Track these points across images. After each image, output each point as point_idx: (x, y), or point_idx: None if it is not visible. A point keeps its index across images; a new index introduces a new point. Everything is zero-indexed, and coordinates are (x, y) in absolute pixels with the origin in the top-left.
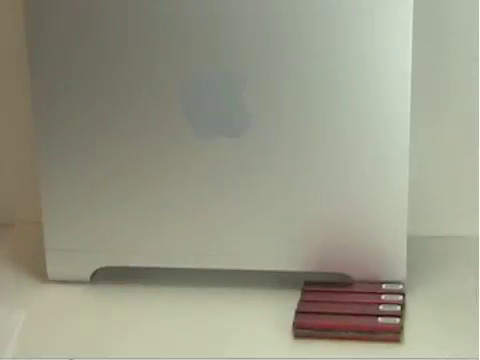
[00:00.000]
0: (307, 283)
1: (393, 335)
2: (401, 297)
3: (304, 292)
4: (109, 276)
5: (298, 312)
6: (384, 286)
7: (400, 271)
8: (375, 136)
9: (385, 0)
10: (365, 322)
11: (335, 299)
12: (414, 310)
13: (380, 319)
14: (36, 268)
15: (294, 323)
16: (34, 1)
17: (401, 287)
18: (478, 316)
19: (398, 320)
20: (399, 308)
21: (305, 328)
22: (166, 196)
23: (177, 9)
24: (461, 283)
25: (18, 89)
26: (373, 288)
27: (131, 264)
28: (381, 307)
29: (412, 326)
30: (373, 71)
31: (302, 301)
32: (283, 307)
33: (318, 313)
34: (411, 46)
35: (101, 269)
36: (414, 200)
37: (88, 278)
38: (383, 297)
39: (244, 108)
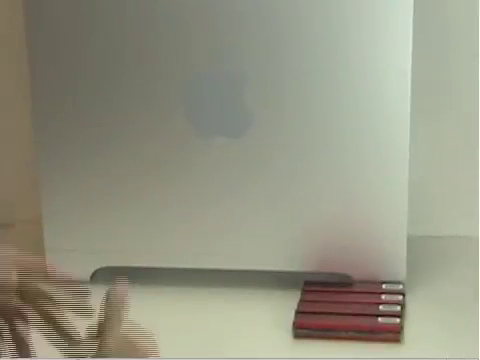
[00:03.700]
0: (307, 283)
1: (393, 335)
2: (401, 297)
3: (304, 292)
4: (109, 276)
5: (298, 312)
6: (384, 286)
7: (400, 271)
8: (375, 136)
9: (385, 0)
10: (365, 322)
11: (335, 299)
12: (414, 310)
13: (380, 319)
14: None
15: (294, 323)
16: (34, 1)
17: (401, 287)
18: (478, 316)
19: (398, 320)
20: (399, 308)
21: (305, 328)
22: (166, 196)
23: (177, 9)
24: (461, 283)
25: (18, 89)
26: (373, 288)
27: (131, 264)
28: (381, 307)
29: (412, 326)
30: (373, 71)
31: (302, 301)
32: (283, 307)
33: (318, 313)
34: (411, 46)
35: (101, 269)
36: (414, 200)
37: (88, 278)
38: (383, 297)
39: (244, 108)
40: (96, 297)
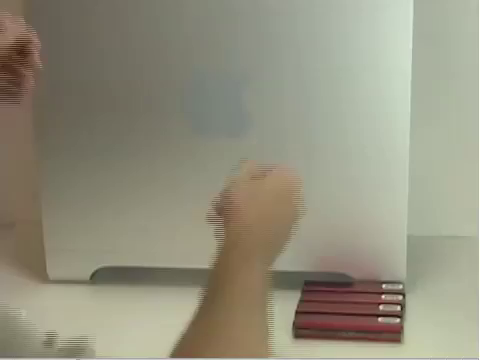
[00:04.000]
0: (307, 283)
1: (393, 335)
2: (401, 297)
3: (304, 292)
4: (109, 276)
5: (298, 312)
6: (384, 286)
7: (400, 271)
8: (376, 136)
9: (385, 0)
10: (365, 322)
11: (335, 299)
12: (414, 310)
13: (380, 319)
14: (36, 268)
15: (294, 323)
16: (34, 2)
17: (401, 287)
18: (478, 316)
19: (398, 320)
20: (399, 308)
21: (305, 328)
22: (166, 196)
23: (177, 10)
24: (461, 283)
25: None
26: (373, 288)
27: (131, 264)
28: (381, 307)
29: (412, 326)
30: (373, 71)
31: (302, 301)
32: (283, 307)
33: (318, 313)
34: (411, 46)
35: (101, 269)
36: (414, 200)
37: (88, 278)
38: (383, 297)
39: (244, 108)
40: (96, 297)
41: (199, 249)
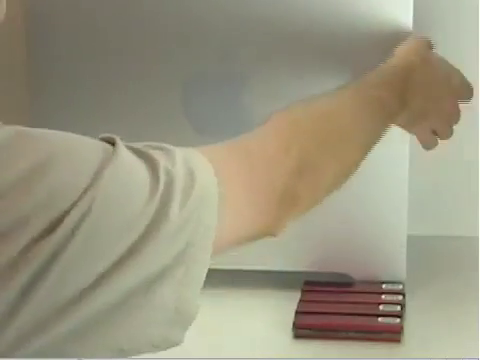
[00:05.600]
0: (307, 283)
1: (393, 335)
2: (401, 297)
3: (304, 292)
4: None
5: (298, 312)
6: (384, 286)
7: (400, 271)
8: None
9: (385, 1)
10: (365, 322)
11: (335, 299)
12: (414, 310)
13: (380, 319)
14: None
15: (294, 323)
16: (34, 1)
17: (401, 287)
18: (478, 316)
19: (398, 320)
20: (399, 308)
21: (305, 328)
22: None
23: (178, 10)
24: (461, 283)
25: (18, 89)
26: (373, 288)
27: None
28: (381, 307)
29: (412, 326)
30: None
31: (302, 301)
32: (283, 307)
33: (318, 313)
34: None
35: None
36: (414, 200)
37: None
38: (383, 297)
39: (244, 108)
40: None
41: None
